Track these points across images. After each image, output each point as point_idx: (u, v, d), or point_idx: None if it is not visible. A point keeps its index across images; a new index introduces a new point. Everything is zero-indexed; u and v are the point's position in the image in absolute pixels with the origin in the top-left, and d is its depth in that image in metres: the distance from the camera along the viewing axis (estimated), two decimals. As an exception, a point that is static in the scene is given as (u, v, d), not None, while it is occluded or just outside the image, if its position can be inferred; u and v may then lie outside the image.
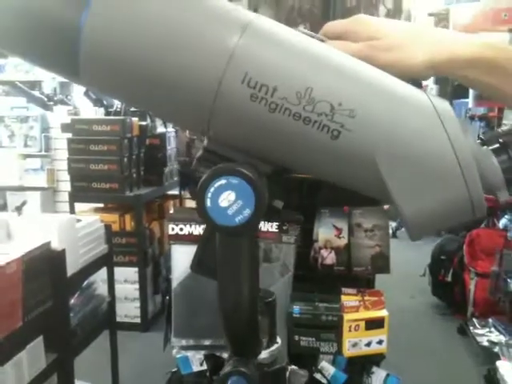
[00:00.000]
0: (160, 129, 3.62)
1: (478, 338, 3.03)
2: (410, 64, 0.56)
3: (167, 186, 3.64)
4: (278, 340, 0.61)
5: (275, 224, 1.52)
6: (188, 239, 1.50)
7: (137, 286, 3.24)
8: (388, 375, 1.56)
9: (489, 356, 2.83)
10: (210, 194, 0.47)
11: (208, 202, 0.47)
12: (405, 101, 0.51)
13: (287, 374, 0.60)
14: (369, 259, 1.55)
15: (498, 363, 2.65)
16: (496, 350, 2.86)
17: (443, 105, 0.51)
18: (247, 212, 0.48)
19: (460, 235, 3.89)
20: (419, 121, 0.50)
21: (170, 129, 3.69)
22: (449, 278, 3.66)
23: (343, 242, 1.55)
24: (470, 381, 2.79)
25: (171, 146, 3.66)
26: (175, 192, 3.78)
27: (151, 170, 3.48)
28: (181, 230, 1.50)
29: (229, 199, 0.47)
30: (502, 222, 3.50)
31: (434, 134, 0.49)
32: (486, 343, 2.97)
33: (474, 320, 3.27)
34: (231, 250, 0.52)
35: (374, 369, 1.57)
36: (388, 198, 0.50)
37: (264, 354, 0.60)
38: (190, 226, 1.50)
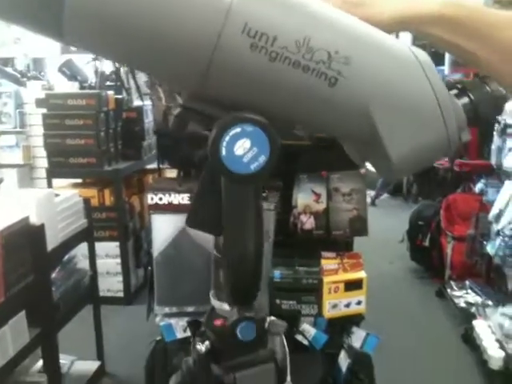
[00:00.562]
0: (136, 102, 3.58)
1: (456, 300, 3.11)
2: (378, 19, 0.58)
3: (146, 160, 3.62)
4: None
5: (254, 191, 1.52)
6: (168, 208, 1.51)
7: (118, 260, 3.24)
8: (368, 334, 1.60)
9: (466, 316, 2.91)
10: (225, 143, 0.47)
11: (223, 151, 0.47)
12: (393, 52, 0.55)
13: (266, 324, 0.61)
14: (347, 222, 1.57)
15: (475, 322, 2.73)
16: (473, 310, 2.94)
17: (423, 55, 0.55)
18: (262, 158, 0.48)
19: (437, 200, 3.95)
20: (406, 70, 0.54)
21: (147, 102, 3.65)
22: (426, 243, 3.74)
23: (322, 206, 1.57)
24: (447, 340, 2.87)
25: (149, 120, 3.62)
26: (154, 166, 3.76)
27: (129, 144, 3.45)
28: (160, 199, 1.50)
29: (244, 147, 0.48)
30: (478, 187, 3.56)
31: (419, 81, 0.54)
32: (463, 304, 3.05)
33: (452, 282, 3.35)
34: (240, 199, 0.53)
35: (354, 329, 1.60)
36: (375, 146, 0.52)
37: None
38: (170, 195, 1.50)
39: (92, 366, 2.51)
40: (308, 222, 1.57)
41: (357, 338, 1.61)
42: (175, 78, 0.55)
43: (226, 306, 0.61)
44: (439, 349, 2.75)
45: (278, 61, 0.48)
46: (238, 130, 0.47)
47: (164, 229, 1.52)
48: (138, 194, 3.55)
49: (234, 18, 0.47)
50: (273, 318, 0.63)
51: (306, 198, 1.57)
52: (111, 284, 3.24)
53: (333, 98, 0.51)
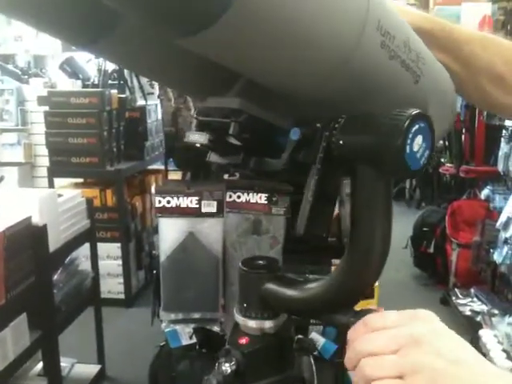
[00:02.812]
0: (140, 101, 3.54)
1: (461, 308, 3.07)
2: None
3: (148, 161, 3.58)
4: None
5: (264, 195, 1.49)
6: (175, 212, 1.47)
7: (120, 261, 3.20)
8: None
9: (471, 325, 2.87)
10: (409, 141, 0.47)
11: (407, 149, 0.47)
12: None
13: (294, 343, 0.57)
14: (359, 230, 1.53)
15: (481, 332, 2.69)
16: (478, 319, 2.90)
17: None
18: (427, 152, 0.49)
19: (442, 206, 3.92)
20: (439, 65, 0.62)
21: (151, 102, 3.61)
22: (431, 250, 3.70)
23: (334, 212, 1.52)
24: (453, 349, 2.83)
25: (152, 120, 3.59)
26: (157, 167, 3.73)
27: (132, 144, 3.41)
28: (168, 202, 1.46)
29: (418, 143, 0.48)
30: (484, 193, 3.52)
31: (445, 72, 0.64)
32: (468, 313, 3.01)
33: (456, 290, 3.31)
34: (384, 195, 0.50)
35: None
36: None
37: (269, 324, 0.57)
38: (178, 198, 1.46)
39: (92, 369, 2.47)
40: (319, 228, 1.53)
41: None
42: (292, 82, 0.48)
43: (251, 323, 0.57)
44: (444, 357, 2.71)
45: (395, 59, 0.50)
46: (416, 126, 0.48)
47: (171, 233, 1.48)
48: (140, 194, 3.51)
49: (371, 14, 0.45)
50: (300, 336, 0.59)
51: (318, 203, 1.53)
52: (112, 286, 3.19)
53: (414, 95, 0.55)
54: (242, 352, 0.55)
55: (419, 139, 0.48)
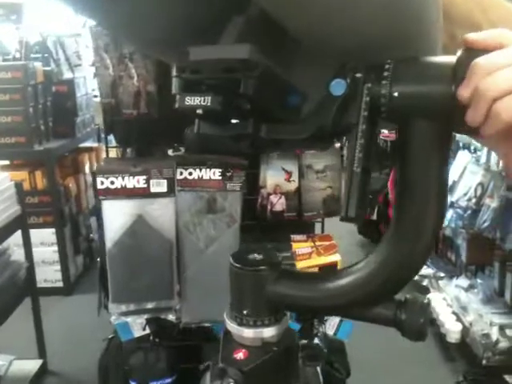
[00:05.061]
0: (67, 74, 3.29)
1: (407, 273, 3.10)
2: None
3: (80, 138, 3.36)
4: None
5: (218, 171, 1.37)
6: (121, 193, 1.32)
7: (55, 247, 3.00)
8: (341, 320, 1.50)
9: (419, 289, 2.90)
10: None
11: None
12: None
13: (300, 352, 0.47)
14: (320, 203, 1.45)
15: (429, 296, 2.73)
16: (425, 283, 2.94)
17: None
18: None
19: (383, 173, 3.93)
20: None
21: (78, 74, 3.37)
22: (374, 217, 3.72)
23: (294, 185, 1.43)
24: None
25: (81, 93, 3.36)
26: (90, 144, 3.51)
27: (61, 121, 3.18)
28: (112, 183, 1.31)
29: None
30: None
31: None
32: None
33: (401, 255, 3.35)
34: (444, 153, 0.43)
35: (327, 316, 1.50)
36: None
37: (269, 332, 0.46)
38: (123, 178, 1.31)
39: (33, 364, 2.29)
40: (278, 203, 1.44)
41: (330, 324, 1.50)
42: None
43: (248, 332, 0.46)
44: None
45: None
46: None
47: (117, 216, 1.33)
48: (74, 175, 3.29)
49: None
50: (304, 341, 0.49)
51: (276, 176, 1.43)
52: (48, 274, 2.99)
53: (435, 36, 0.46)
54: (241, 369, 0.44)
55: None
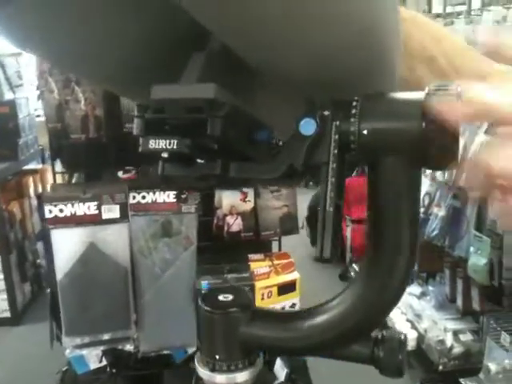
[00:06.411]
0: (8, 95, 3.17)
1: (361, 283, 3.14)
2: None
3: (24, 160, 3.23)
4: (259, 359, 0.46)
5: (172, 193, 1.34)
6: (71, 221, 1.27)
7: (1, 276, 2.86)
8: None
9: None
10: None
11: None
12: None
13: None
14: (277, 221, 1.44)
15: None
16: (379, 291, 2.98)
17: None
18: None
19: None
20: None
21: (20, 94, 3.26)
22: (327, 228, 3.75)
23: (249, 205, 1.42)
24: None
25: (23, 114, 3.24)
26: (34, 166, 3.39)
27: (2, 143, 3.05)
28: (61, 211, 1.26)
29: None
30: (373, 169, 3.62)
31: None
32: (368, 286, 3.09)
33: (354, 265, 3.39)
34: (414, 192, 0.43)
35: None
36: None
37: (243, 377, 0.45)
38: (72, 205, 1.26)
39: (-20, 403, 2.17)
40: (235, 224, 1.42)
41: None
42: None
43: (221, 378, 0.44)
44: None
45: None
46: None
47: (68, 245, 1.28)
48: (18, 198, 3.15)
49: None
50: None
51: (232, 197, 1.41)
52: (-6, 304, 2.85)
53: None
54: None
55: None
